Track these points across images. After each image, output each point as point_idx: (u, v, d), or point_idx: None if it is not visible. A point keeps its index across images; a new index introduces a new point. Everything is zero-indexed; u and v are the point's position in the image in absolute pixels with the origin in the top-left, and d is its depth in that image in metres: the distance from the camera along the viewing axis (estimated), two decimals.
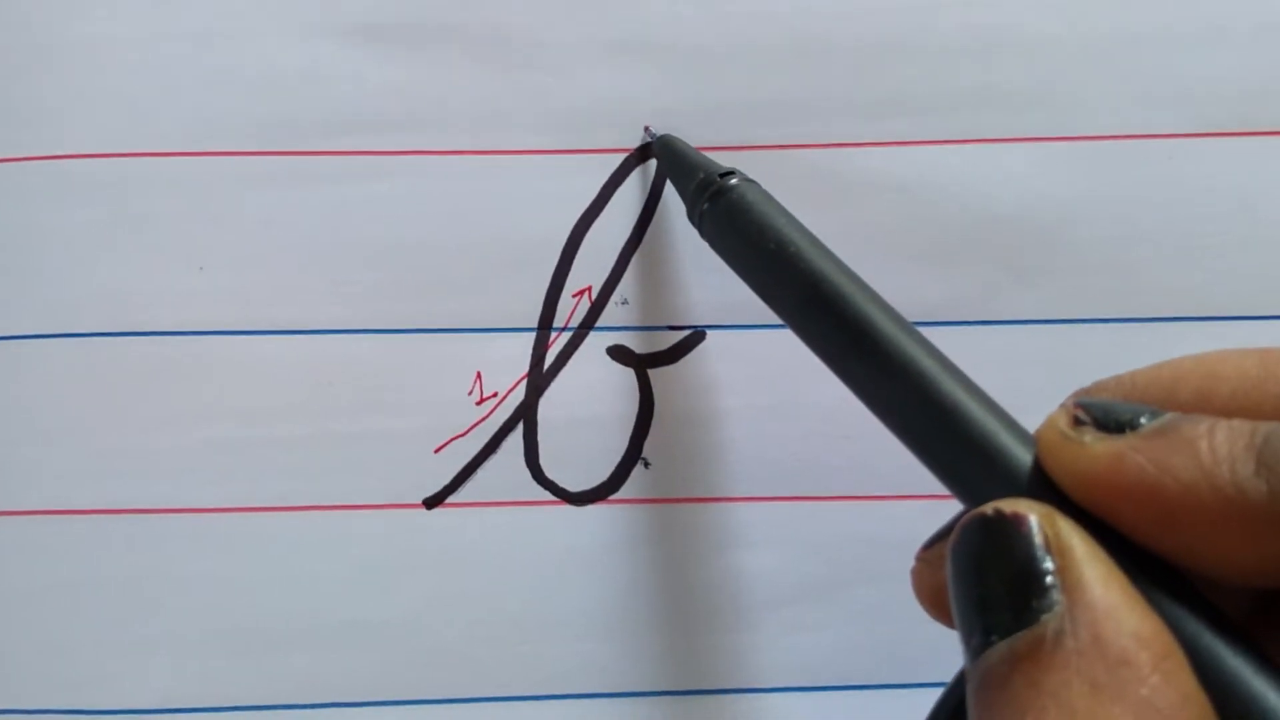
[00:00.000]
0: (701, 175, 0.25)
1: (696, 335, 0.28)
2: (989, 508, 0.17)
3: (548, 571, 0.28)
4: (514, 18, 0.28)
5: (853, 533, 0.28)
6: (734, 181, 0.24)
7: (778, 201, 0.24)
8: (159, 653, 0.27)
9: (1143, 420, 0.16)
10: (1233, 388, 0.17)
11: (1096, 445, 0.16)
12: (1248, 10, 0.28)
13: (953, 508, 0.27)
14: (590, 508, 0.28)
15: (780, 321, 0.28)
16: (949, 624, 0.17)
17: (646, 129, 0.28)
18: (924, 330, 0.28)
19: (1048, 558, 0.16)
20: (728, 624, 0.27)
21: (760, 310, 0.28)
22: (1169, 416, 0.16)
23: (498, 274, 0.28)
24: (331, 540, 0.27)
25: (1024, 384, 0.28)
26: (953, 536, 0.17)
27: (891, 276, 0.28)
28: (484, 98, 0.28)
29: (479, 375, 0.28)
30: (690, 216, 0.25)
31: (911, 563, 0.27)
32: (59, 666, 0.27)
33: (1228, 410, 0.17)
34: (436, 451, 0.28)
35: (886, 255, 0.28)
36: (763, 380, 0.28)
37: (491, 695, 0.27)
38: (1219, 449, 0.15)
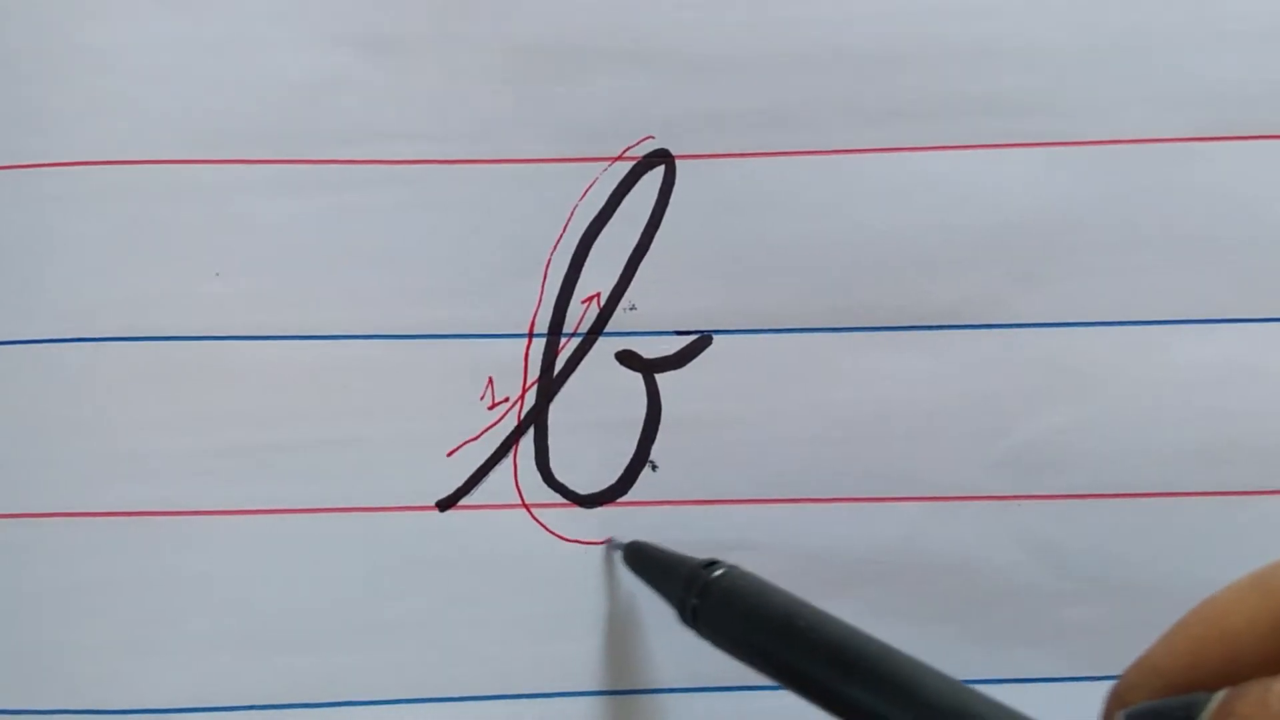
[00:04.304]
0: (685, 571, 0.24)
1: (703, 340, 0.28)
2: None
3: (558, 572, 0.28)
4: (521, 27, 0.28)
5: (857, 534, 0.28)
6: (720, 571, 0.24)
7: (763, 579, 0.24)
8: (172, 653, 0.27)
9: (1200, 715, 0.16)
10: (1254, 639, 0.17)
11: None
12: (1253, 14, 0.28)
13: (955, 509, 0.28)
14: (599, 510, 0.28)
15: (787, 326, 0.28)
16: None
17: (609, 540, 0.28)
18: (931, 334, 0.28)
19: None
20: None
21: (767, 315, 0.28)
22: (1220, 699, 0.16)
23: (509, 281, 0.28)
24: (345, 542, 0.28)
25: (1029, 387, 0.28)
26: None
27: (897, 282, 0.28)
28: (493, 107, 0.28)
29: (491, 380, 0.28)
30: (681, 615, 0.24)
31: (913, 559, 0.27)
32: (73, 667, 0.27)
33: (1258, 665, 0.17)
34: (449, 455, 0.28)
35: (891, 261, 0.28)
36: (768, 384, 0.28)
37: (503, 693, 0.28)
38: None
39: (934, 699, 0.19)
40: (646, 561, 0.26)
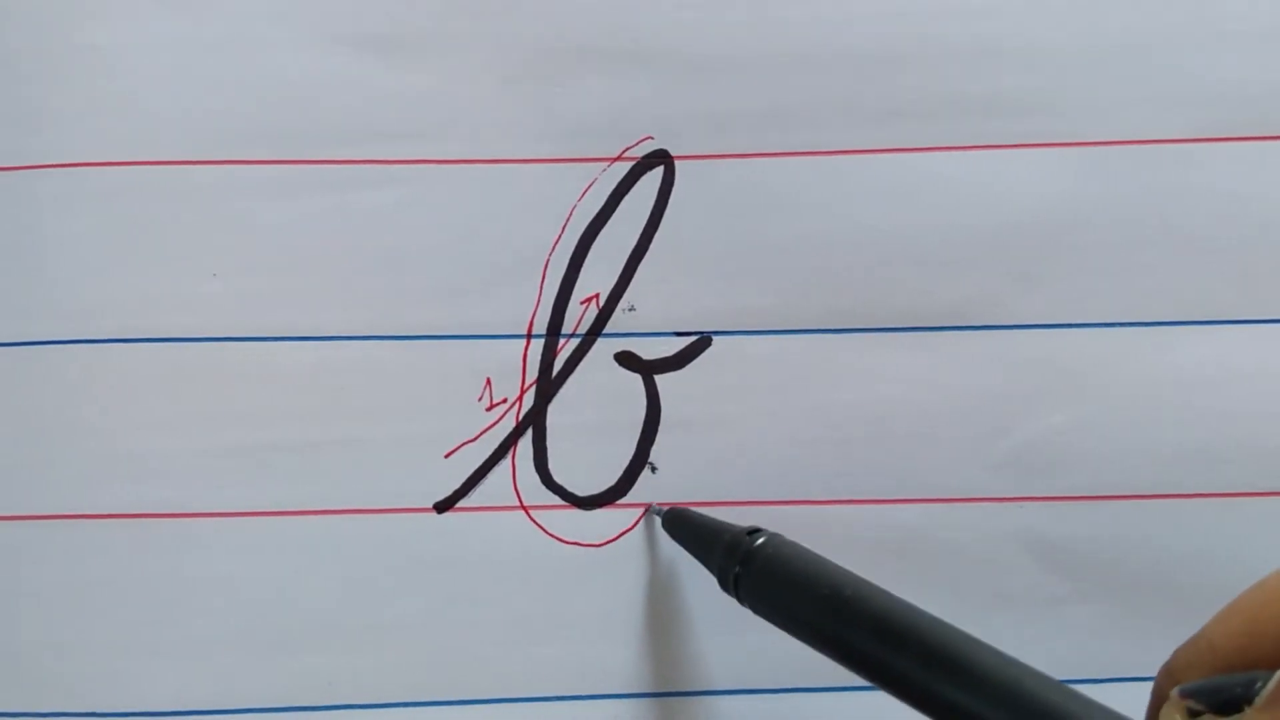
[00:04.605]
0: (727, 538, 0.24)
1: (702, 341, 0.28)
2: None
3: (556, 574, 0.28)
4: (521, 28, 0.28)
5: (855, 535, 0.28)
6: (763, 539, 0.24)
7: (806, 548, 0.24)
8: (172, 655, 0.28)
9: (1256, 688, 0.16)
10: None
11: None
12: (1253, 14, 0.28)
13: (955, 510, 0.28)
14: (598, 511, 0.28)
15: (787, 326, 0.28)
16: None
17: (649, 506, 0.28)
18: (931, 334, 0.28)
19: None
20: (735, 626, 0.27)
21: (767, 315, 0.28)
22: (1279, 677, 0.16)
23: (507, 281, 0.28)
24: (343, 543, 0.28)
25: (1029, 388, 0.28)
26: None
27: (897, 282, 0.28)
28: (492, 107, 0.28)
29: (489, 381, 0.28)
30: (723, 583, 0.24)
31: (913, 560, 0.27)
32: (73, 668, 0.28)
33: None
34: (447, 456, 0.28)
35: (891, 261, 0.28)
36: (767, 385, 0.28)
37: (501, 696, 0.28)
38: None
39: (982, 671, 0.19)
40: (687, 528, 0.26)
